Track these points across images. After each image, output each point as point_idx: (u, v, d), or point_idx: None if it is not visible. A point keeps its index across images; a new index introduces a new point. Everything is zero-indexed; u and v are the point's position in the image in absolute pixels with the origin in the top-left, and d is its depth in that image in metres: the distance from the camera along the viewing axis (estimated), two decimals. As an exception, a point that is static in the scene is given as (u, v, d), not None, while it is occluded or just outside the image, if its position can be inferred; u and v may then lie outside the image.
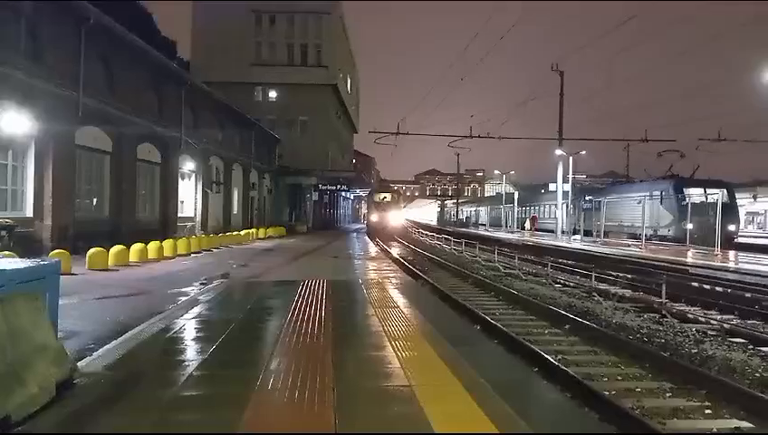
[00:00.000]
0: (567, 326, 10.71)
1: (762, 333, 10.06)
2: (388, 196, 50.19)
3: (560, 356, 8.45)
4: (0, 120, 15.54)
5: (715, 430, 5.78)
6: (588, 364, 8.23)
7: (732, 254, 20.94)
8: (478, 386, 4.83)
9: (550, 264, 17.74)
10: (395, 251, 27.28)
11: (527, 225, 47.38)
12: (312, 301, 9.45)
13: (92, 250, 15.34)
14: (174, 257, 19.38)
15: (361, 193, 70.05)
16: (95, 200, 21.67)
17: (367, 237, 36.79)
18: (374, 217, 48.07)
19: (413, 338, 6.75)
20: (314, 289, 10.90)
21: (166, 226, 26.44)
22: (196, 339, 6.86)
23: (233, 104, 38.03)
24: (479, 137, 38.82)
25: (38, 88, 16.91)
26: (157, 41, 41.29)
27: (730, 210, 25.99)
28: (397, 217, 48.54)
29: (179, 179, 29.13)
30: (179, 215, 28.99)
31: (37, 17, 17.19)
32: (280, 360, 5.63)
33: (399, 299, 10.17)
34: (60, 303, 5.74)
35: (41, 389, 4.01)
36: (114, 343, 6.39)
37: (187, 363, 5.54)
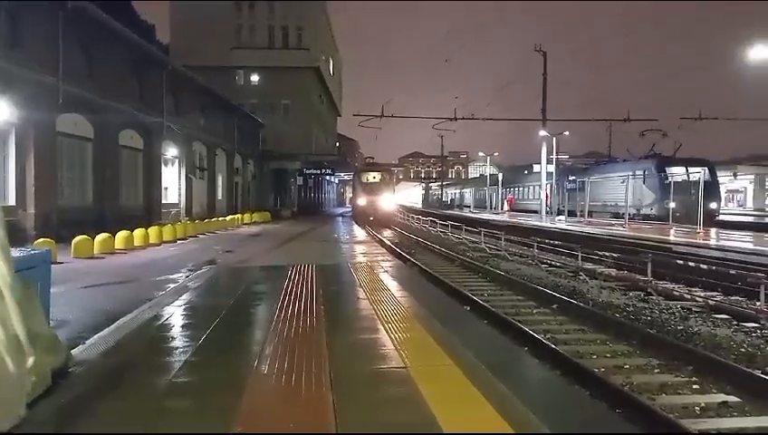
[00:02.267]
0: (555, 305, 10.84)
1: (745, 308, 10.24)
2: (378, 175, 41.73)
3: (549, 335, 8.57)
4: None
5: (703, 404, 5.90)
6: (576, 342, 8.36)
7: (714, 231, 21.22)
8: (472, 366, 4.88)
9: (536, 245, 17.86)
10: (381, 234, 27.31)
11: (506, 206, 47.82)
12: (302, 285, 9.46)
13: (78, 238, 15.20)
14: (160, 244, 19.27)
15: (346, 177, 67.64)
16: (78, 188, 21.42)
17: (353, 222, 36.67)
18: (361, 201, 40.43)
19: (405, 320, 6.79)
20: (304, 274, 10.91)
21: (150, 212, 26.24)
22: (189, 326, 6.85)
23: (214, 89, 37.67)
24: (463, 118, 38.98)
25: (17, 75, 16.63)
26: (136, 25, 40.69)
27: (711, 188, 26.28)
28: (388, 202, 40.35)
29: (163, 165, 28.87)
30: (164, 201, 28.79)
31: (15, 3, 16.84)
32: (274, 345, 5.64)
33: (389, 282, 10.21)
34: (49, 292, 5.72)
35: (37, 377, 3.99)
36: (106, 330, 6.36)
37: (181, 350, 5.53)
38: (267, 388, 4.41)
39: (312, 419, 3.75)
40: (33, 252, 5.37)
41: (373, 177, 41.55)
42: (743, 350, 7.82)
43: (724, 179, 41.11)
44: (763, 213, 39.39)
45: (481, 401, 4.02)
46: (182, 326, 6.86)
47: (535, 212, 37.18)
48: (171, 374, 4.73)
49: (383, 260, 14.17)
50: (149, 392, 4.31)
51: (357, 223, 34.59)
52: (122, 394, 4.27)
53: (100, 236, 16.21)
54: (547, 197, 41.54)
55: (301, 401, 4.08)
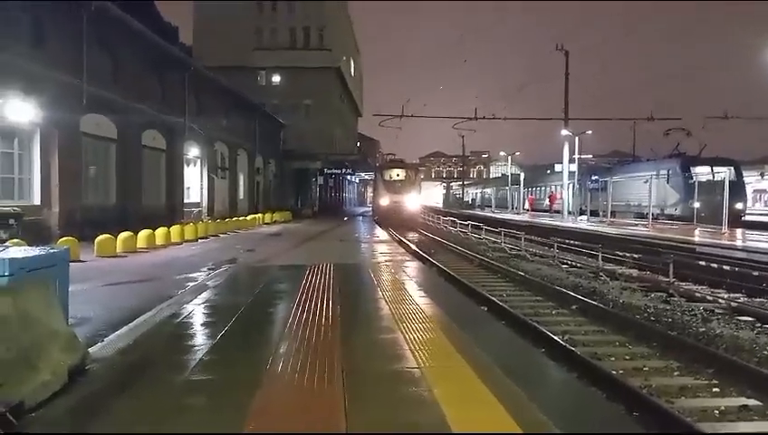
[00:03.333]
0: (574, 307, 10.73)
1: (769, 310, 10.04)
2: (402, 172, 38.10)
3: (567, 336, 8.48)
4: (5, 109, 15.56)
5: (722, 408, 5.80)
6: (595, 344, 8.26)
7: (739, 232, 20.86)
8: (487, 367, 4.86)
9: (556, 245, 17.71)
10: (400, 234, 27.26)
11: (526, 205, 47.50)
12: (319, 285, 9.49)
13: (100, 237, 15.40)
14: (181, 243, 19.47)
15: (367, 176, 67.37)
16: (101, 187, 21.73)
17: (372, 223, 36.53)
18: (383, 201, 36.93)
19: (421, 320, 6.78)
20: (322, 273, 10.94)
21: (173, 211, 26.52)
22: (206, 324, 6.92)
23: (236, 89, 37.95)
24: (484, 118, 38.80)
25: (42, 76, 16.90)
26: (159, 26, 41.15)
27: (737, 188, 25.81)
28: (413, 202, 36.83)
29: (185, 165, 29.16)
30: (186, 201, 29.08)
31: (39, 5, 17.14)
32: (289, 343, 5.67)
33: (406, 282, 10.20)
34: (69, 289, 5.80)
35: (53, 375, 4.06)
36: (125, 328, 6.44)
37: (197, 348, 5.59)
38: (280, 386, 4.43)
39: (322, 418, 3.76)
40: (51, 250, 5.46)
41: (397, 174, 37.86)
42: (765, 352, 7.66)
43: (751, 179, 40.31)
44: (791, 213, 38.58)
45: (493, 403, 4.00)
46: (200, 324, 6.93)
47: (558, 212, 36.86)
48: (187, 372, 4.78)
49: (401, 260, 14.17)
50: (165, 390, 4.36)
51: (378, 224, 33.02)
52: (137, 392, 4.32)
53: (123, 235, 16.41)
54: (556, 198, 41.08)
55: (313, 400, 4.09)
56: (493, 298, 11.17)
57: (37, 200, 17.58)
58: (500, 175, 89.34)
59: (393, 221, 33.58)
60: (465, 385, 4.42)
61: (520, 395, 4.16)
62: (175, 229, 19.90)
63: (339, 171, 54.94)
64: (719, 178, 24.33)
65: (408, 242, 23.28)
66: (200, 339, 6.10)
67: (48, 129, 17.64)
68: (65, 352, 4.39)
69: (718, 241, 16.55)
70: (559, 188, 40.43)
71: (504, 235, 22.26)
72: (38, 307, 4.31)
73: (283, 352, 5.31)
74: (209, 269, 13.00)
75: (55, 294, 4.79)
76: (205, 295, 8.68)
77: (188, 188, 30.07)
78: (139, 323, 6.70)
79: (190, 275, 12.05)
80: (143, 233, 17.63)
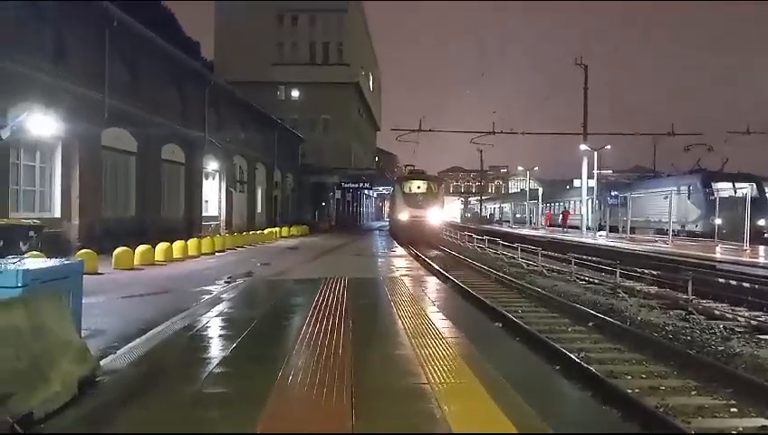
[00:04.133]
0: (590, 324, 10.59)
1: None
2: (424, 185, 34.74)
3: (582, 354, 8.36)
4: (27, 122, 15.83)
5: (741, 428, 5.66)
6: (611, 362, 8.13)
7: (762, 249, 20.49)
8: (498, 385, 4.80)
9: (573, 261, 17.54)
10: (417, 249, 27.18)
11: (542, 221, 47.09)
12: (333, 299, 9.48)
13: (118, 250, 15.56)
14: (198, 256, 19.59)
15: (384, 191, 66.99)
16: (121, 200, 21.98)
17: (390, 237, 36.33)
18: (402, 215, 33.45)
19: (433, 336, 6.73)
20: (336, 287, 10.93)
21: (191, 225, 26.74)
22: (219, 336, 6.93)
23: (255, 104, 38.32)
24: (502, 133, 38.71)
25: (64, 90, 17.21)
26: (180, 41, 41.85)
27: (759, 204, 25.43)
28: (435, 217, 33.63)
29: (204, 179, 29.44)
30: (204, 214, 29.31)
31: (62, 20, 17.51)
32: (300, 357, 5.66)
33: (420, 297, 10.16)
34: (85, 301, 5.86)
35: (63, 386, 4.08)
36: (138, 340, 6.48)
37: (208, 360, 5.60)
38: (289, 399, 4.42)
39: (329, 431, 3.74)
40: (64, 262, 5.52)
41: (417, 186, 34.50)
42: (787, 373, 7.49)
43: (775, 195, 39.66)
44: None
45: (501, 420, 3.95)
46: (212, 337, 6.95)
47: (576, 228, 36.56)
48: (197, 384, 4.78)
49: (417, 275, 14.13)
50: (175, 402, 4.36)
51: (395, 239, 31.33)
52: (147, 404, 4.33)
53: (141, 248, 16.56)
54: (569, 214, 40.57)
55: (320, 414, 4.08)
56: (508, 314, 11.07)
57: (57, 213, 17.83)
58: (518, 190, 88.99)
59: (413, 238, 31.08)
60: (475, 403, 4.37)
61: (530, 413, 4.10)
62: (192, 242, 20.05)
63: (356, 186, 55.07)
64: (741, 195, 24.00)
65: (423, 257, 23.21)
66: (213, 351, 6.12)
67: (70, 142, 17.92)
68: (76, 363, 4.42)
69: (739, 258, 16.27)
70: (576, 203, 40.13)
71: (522, 250, 22.12)
72: (50, 318, 4.34)
73: (294, 365, 5.31)
74: (225, 282, 13.07)
75: (68, 305, 4.83)
76: (219, 308, 8.71)
77: (207, 201, 30.33)
78: (152, 336, 6.74)
79: (206, 288, 12.11)
80: (161, 246, 17.78)
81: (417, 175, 37.40)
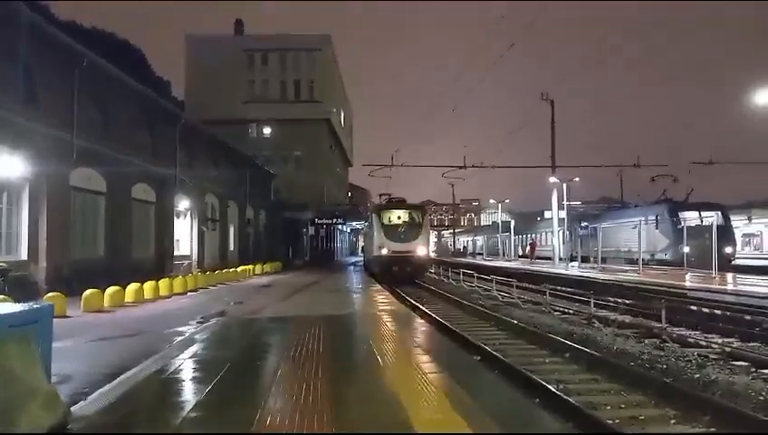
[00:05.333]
0: (567, 354, 10.61)
1: (764, 355, 9.97)
2: (405, 214, 30.02)
3: (561, 385, 8.35)
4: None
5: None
6: (589, 393, 8.13)
7: (729, 276, 20.89)
8: (477, 418, 4.76)
9: (548, 292, 17.65)
10: (391, 284, 27.00)
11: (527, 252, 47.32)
12: (308, 337, 9.36)
13: (87, 292, 15.21)
14: (170, 296, 19.24)
15: (358, 226, 66.69)
16: (90, 241, 21.57)
17: (365, 272, 36.06)
18: (383, 250, 28.39)
19: (412, 371, 6.67)
20: (311, 325, 10.80)
21: (162, 264, 26.33)
22: (192, 379, 6.77)
23: (227, 142, 38.31)
24: (473, 166, 39.07)
25: (32, 130, 16.98)
26: (150, 80, 41.84)
27: (726, 232, 26.02)
28: (421, 251, 28.85)
29: (175, 218, 29.10)
30: (175, 253, 28.90)
31: (31, 59, 17.33)
32: (277, 399, 5.55)
33: (397, 332, 10.09)
34: (54, 346, 5.67)
35: (32, 434, 3.93)
36: (108, 386, 6.29)
37: (182, 405, 5.45)
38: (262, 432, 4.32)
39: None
40: (34, 306, 5.36)
41: (398, 216, 29.87)
42: (761, 397, 7.57)
43: (739, 223, 40.59)
44: (780, 257, 38.72)
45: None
46: (186, 380, 6.78)
47: (548, 258, 36.88)
48: (171, 430, 4.65)
49: (392, 310, 14.06)
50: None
51: (373, 277, 28.40)
52: (120, 452, 4.19)
53: (110, 290, 16.21)
54: (536, 245, 41.02)
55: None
56: (486, 347, 11.04)
57: (24, 255, 17.41)
58: (490, 223, 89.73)
59: (395, 276, 27.37)
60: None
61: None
62: (164, 283, 19.71)
63: (330, 221, 54.99)
64: (707, 223, 24.53)
65: (399, 291, 23.12)
66: (186, 396, 5.96)
67: (37, 183, 17.62)
68: (46, 410, 4.27)
69: (709, 286, 16.55)
70: (547, 234, 40.59)
71: (497, 282, 22.21)
72: (19, 364, 4.21)
73: (272, 409, 5.20)
74: (197, 323, 12.84)
75: (37, 350, 4.67)
76: (192, 350, 8.53)
77: (178, 240, 29.95)
78: (123, 380, 6.55)
79: (178, 329, 11.87)
80: (131, 287, 17.43)
81: (398, 204, 31.90)
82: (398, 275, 27.48)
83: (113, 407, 5.38)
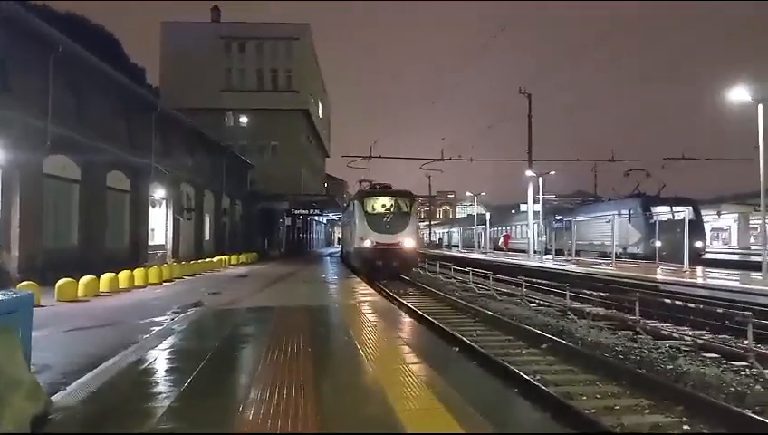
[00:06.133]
0: (544, 346, 10.78)
1: (733, 347, 10.23)
2: (391, 202, 27.73)
3: (539, 376, 8.49)
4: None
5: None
6: (566, 383, 8.29)
7: (700, 270, 21.33)
8: (460, 407, 4.83)
9: (524, 284, 17.86)
10: (367, 274, 27.04)
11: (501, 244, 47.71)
12: (288, 327, 9.37)
13: (61, 281, 14.99)
14: (145, 286, 19.04)
15: (335, 217, 66.67)
16: (64, 230, 21.21)
17: (341, 263, 36.14)
18: (366, 242, 26.24)
19: (392, 362, 6.73)
20: (290, 315, 10.82)
21: (137, 254, 26.02)
22: (172, 370, 6.73)
23: (203, 130, 37.86)
24: (450, 159, 39.25)
25: (5, 117, 16.61)
26: (126, 67, 41.10)
27: (696, 227, 26.50)
28: (409, 242, 26.59)
29: (150, 207, 28.73)
30: (150, 243, 28.56)
31: (5, 46, 16.95)
32: (260, 389, 5.55)
33: (377, 323, 10.14)
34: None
35: (15, 424, 3.90)
36: (88, 375, 6.24)
37: (164, 395, 5.43)
38: (252, 430, 4.33)
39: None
40: (14, 296, 5.28)
41: (383, 204, 27.63)
42: (732, 389, 7.78)
43: (709, 218, 41.47)
44: (748, 251, 39.65)
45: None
46: (166, 371, 6.75)
47: (523, 251, 37.25)
48: (153, 420, 4.63)
49: (370, 301, 14.10)
50: (131, 439, 4.22)
51: (353, 271, 26.90)
52: (103, 442, 4.18)
53: (85, 279, 15.99)
54: (509, 237, 41.40)
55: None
56: (464, 338, 11.16)
57: (-4, 244, 17.08)
58: (466, 215, 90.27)
59: (381, 270, 25.70)
60: (439, 427, 4.38)
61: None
62: (138, 272, 19.49)
63: (306, 212, 54.67)
64: (679, 218, 24.98)
65: (376, 283, 23.18)
66: (166, 386, 5.92)
67: (10, 171, 17.26)
68: (28, 401, 4.23)
69: (680, 279, 16.88)
70: (522, 227, 40.96)
71: (472, 274, 22.39)
72: (2, 355, 4.16)
73: (254, 398, 5.20)
74: (174, 313, 12.73)
75: (18, 341, 4.62)
76: (170, 340, 8.48)
77: (153, 229, 29.58)
78: (102, 370, 6.50)
79: (155, 320, 11.76)
80: (106, 277, 17.21)
81: (384, 190, 29.28)
82: (382, 269, 25.69)
83: (93, 397, 5.34)
